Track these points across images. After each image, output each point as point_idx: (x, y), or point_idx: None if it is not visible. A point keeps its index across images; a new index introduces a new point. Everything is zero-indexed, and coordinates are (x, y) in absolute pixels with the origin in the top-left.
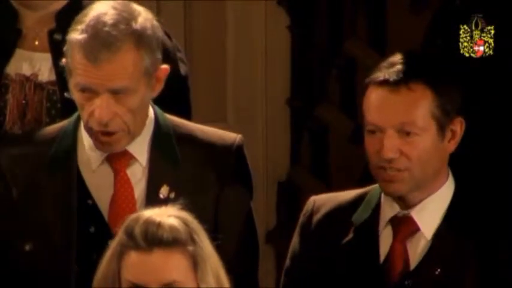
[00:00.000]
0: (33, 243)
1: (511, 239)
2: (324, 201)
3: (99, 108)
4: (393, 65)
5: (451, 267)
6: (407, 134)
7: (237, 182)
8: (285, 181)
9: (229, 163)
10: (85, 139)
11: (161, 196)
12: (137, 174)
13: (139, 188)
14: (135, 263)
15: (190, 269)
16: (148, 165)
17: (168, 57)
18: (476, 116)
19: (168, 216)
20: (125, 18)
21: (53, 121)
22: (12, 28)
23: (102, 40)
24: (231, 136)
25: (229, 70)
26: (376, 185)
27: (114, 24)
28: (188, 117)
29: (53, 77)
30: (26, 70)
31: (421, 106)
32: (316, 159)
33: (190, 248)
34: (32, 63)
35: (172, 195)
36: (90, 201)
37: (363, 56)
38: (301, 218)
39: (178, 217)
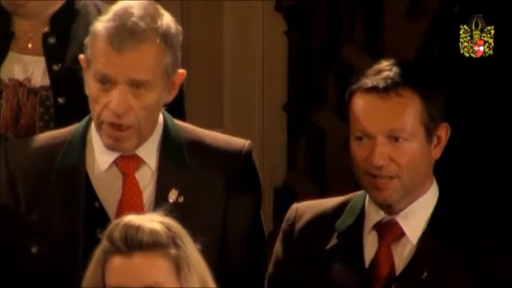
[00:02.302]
0: (40, 245)
1: (497, 241)
2: (306, 208)
3: (117, 99)
4: (380, 71)
5: (438, 270)
6: (396, 139)
7: (246, 188)
8: (281, 187)
9: (238, 169)
10: (94, 142)
11: (170, 200)
12: (146, 178)
13: (148, 191)
14: (117, 268)
15: (172, 272)
16: (157, 168)
17: None
18: (465, 120)
19: (151, 220)
20: (151, 14)
21: (46, 126)
22: (5, 31)
23: (129, 29)
24: (240, 142)
25: (226, 75)
26: (360, 192)
27: (141, 17)
28: (182, 121)
29: (46, 82)
30: (19, 74)
31: (410, 112)
32: (313, 165)
33: (173, 251)
34: (25, 67)
35: (181, 199)
36: (97, 204)
37: (360, 62)
38: (284, 225)
39: (160, 222)
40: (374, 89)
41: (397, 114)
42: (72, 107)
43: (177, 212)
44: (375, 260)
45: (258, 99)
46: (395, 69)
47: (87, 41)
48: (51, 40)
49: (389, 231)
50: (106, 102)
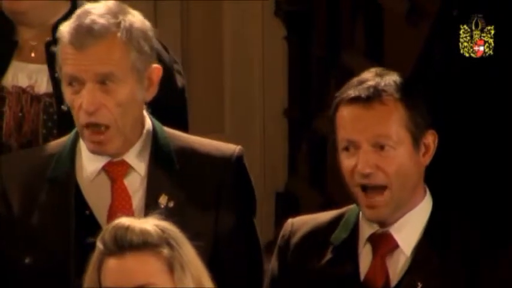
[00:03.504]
0: (33, 256)
1: (492, 253)
2: (301, 223)
3: (86, 98)
4: (363, 82)
5: (432, 282)
6: (382, 148)
7: (237, 195)
8: (283, 192)
9: (228, 175)
10: (83, 150)
11: (160, 205)
12: (135, 184)
13: (137, 197)
14: (110, 269)
15: (165, 272)
16: (147, 174)
17: (164, 69)
18: (464, 121)
19: (144, 222)
20: (113, 12)
21: (49, 133)
22: (9, 40)
23: (87, 26)
24: (230, 148)
25: (226, 81)
26: (354, 205)
27: (101, 15)
28: (185, 128)
29: (50, 89)
30: (23, 82)
31: (394, 119)
32: (314, 170)
33: (165, 251)
34: (29, 75)
35: (171, 204)
36: (87, 212)
37: (360, 66)
38: (279, 241)
39: (155, 224)
40: (357, 99)
41: (381, 122)
42: None
43: (167, 217)
44: (369, 273)
45: (258, 104)
46: (377, 79)
47: (56, 49)
48: (54, 48)
49: (383, 244)
50: (79, 104)
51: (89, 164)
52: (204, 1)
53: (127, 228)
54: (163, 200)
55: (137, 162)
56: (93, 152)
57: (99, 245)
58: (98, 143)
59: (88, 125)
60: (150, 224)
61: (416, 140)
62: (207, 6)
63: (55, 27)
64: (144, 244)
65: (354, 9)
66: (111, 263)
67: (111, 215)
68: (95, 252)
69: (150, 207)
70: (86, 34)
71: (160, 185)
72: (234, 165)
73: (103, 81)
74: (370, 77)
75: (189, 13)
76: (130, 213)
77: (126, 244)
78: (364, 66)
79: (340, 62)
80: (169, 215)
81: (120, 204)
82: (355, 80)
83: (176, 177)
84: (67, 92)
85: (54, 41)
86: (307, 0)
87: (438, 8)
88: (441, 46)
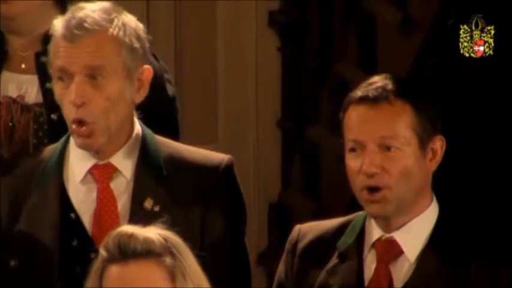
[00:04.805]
0: (18, 258)
1: (496, 263)
2: (308, 229)
3: (74, 90)
4: (372, 83)
5: None
6: (388, 148)
7: (224, 205)
8: (276, 202)
9: (215, 185)
10: (72, 153)
11: (145, 209)
12: (121, 187)
13: (122, 200)
14: (113, 276)
15: (167, 281)
16: (133, 178)
17: (155, 78)
18: (465, 122)
19: (147, 231)
20: (107, 10)
21: (40, 143)
22: None
23: (79, 19)
24: (218, 157)
25: (220, 91)
26: (361, 212)
27: (94, 11)
28: (176, 138)
29: (40, 99)
30: (13, 92)
31: (401, 120)
32: (308, 180)
33: (168, 260)
34: (19, 86)
35: (156, 208)
36: (73, 215)
37: (354, 77)
38: (287, 246)
39: (157, 233)
40: (365, 99)
41: (388, 122)
42: (65, 123)
43: (153, 220)
44: (373, 279)
45: (252, 115)
46: (386, 81)
47: (49, 46)
48: (44, 59)
49: (387, 249)
50: (69, 98)
51: (76, 167)
52: (198, 13)
53: (131, 236)
54: (148, 203)
55: (124, 165)
56: (80, 146)
57: (102, 252)
58: (84, 136)
59: (75, 121)
60: (153, 233)
61: (423, 143)
62: (200, 17)
63: (44, 38)
64: (148, 252)
65: (347, 20)
66: (114, 270)
67: (96, 218)
68: (97, 260)
69: (135, 210)
70: (78, 27)
71: (146, 189)
72: (223, 174)
73: (92, 75)
74: (379, 79)
75: (183, 24)
76: (115, 215)
77: (129, 252)
78: (357, 76)
79: (333, 72)
80: (154, 218)
81: (105, 206)
82: (365, 82)
83: (163, 182)
84: (57, 87)
85: (44, 51)
86: (300, 11)
87: (432, 17)
88: (436, 56)
